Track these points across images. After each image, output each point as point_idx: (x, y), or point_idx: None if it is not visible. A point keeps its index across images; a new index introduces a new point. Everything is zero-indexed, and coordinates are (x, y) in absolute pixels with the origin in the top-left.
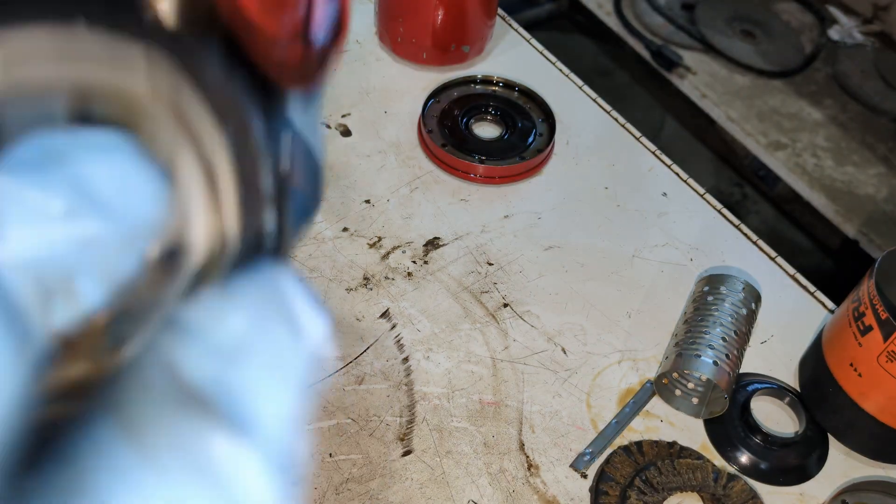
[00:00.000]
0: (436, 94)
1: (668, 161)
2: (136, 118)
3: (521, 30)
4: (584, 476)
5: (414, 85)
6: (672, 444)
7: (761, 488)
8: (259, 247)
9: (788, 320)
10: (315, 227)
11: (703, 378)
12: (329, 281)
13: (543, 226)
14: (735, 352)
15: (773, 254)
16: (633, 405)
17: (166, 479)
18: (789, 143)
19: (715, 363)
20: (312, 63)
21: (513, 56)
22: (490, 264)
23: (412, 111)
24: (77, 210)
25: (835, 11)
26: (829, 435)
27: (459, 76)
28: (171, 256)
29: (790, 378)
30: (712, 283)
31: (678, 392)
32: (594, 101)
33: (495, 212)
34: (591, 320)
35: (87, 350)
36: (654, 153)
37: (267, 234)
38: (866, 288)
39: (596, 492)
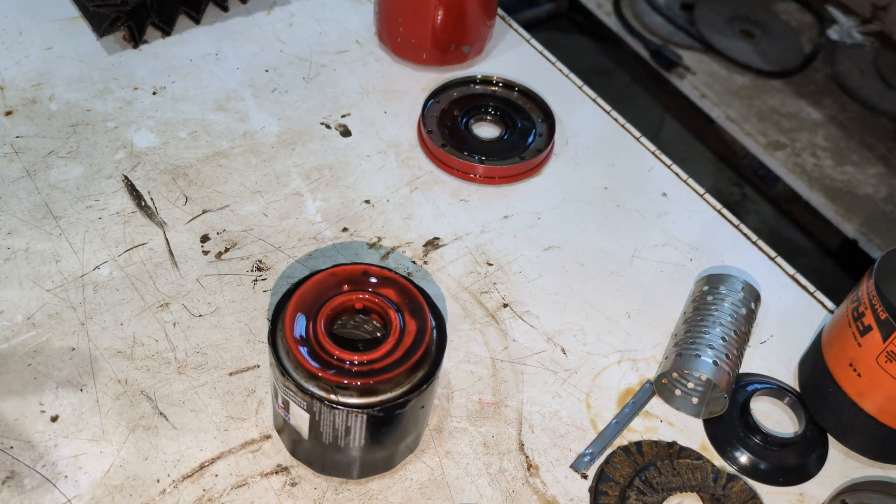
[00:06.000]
0: (435, 95)
1: (668, 161)
2: None
3: (520, 30)
4: (584, 476)
5: (413, 85)
6: (671, 445)
7: (761, 488)
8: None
9: (788, 320)
10: (314, 227)
11: (703, 378)
12: None
13: (543, 226)
14: (735, 352)
15: (773, 254)
16: (633, 405)
17: None
18: (788, 143)
19: (714, 363)
20: None
21: (512, 56)
22: (490, 264)
23: (412, 111)
24: None
25: (834, 11)
26: (828, 435)
27: (459, 76)
28: None
29: (790, 378)
30: (712, 283)
31: (678, 392)
32: (594, 101)
33: (495, 212)
34: (590, 320)
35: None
36: (653, 153)
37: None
38: (865, 288)
39: (595, 492)
